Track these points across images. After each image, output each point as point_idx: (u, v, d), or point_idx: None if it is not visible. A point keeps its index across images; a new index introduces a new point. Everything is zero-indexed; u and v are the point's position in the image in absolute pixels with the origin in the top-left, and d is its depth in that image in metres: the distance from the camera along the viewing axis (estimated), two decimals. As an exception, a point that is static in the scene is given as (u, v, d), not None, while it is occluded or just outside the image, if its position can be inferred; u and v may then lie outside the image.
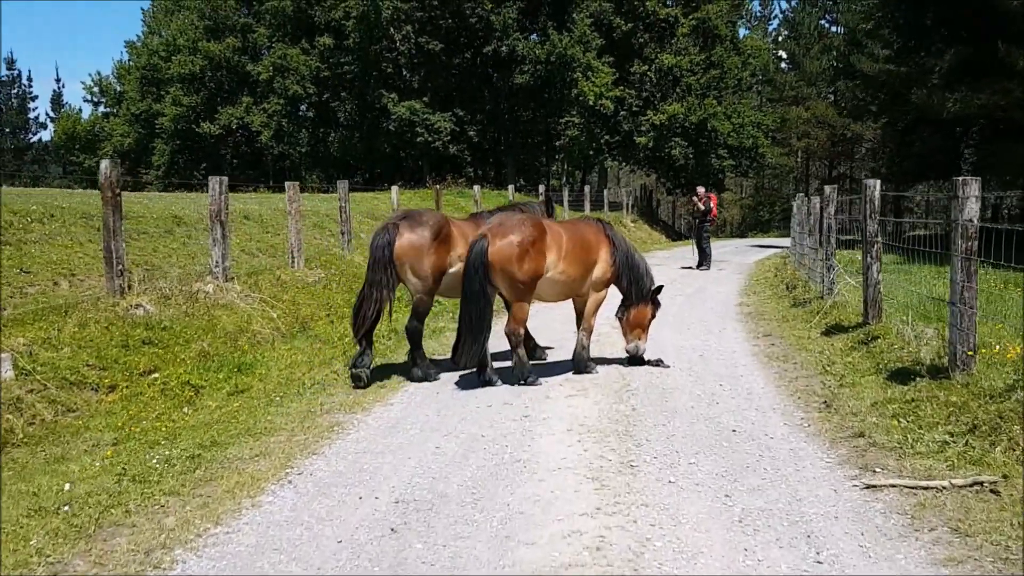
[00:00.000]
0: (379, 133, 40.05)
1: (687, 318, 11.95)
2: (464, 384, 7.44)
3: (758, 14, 71.97)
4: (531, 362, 8.69)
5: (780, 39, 69.73)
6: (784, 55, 70.06)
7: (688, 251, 25.81)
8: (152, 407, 7.28)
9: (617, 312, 8.51)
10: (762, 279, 17.19)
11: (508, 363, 7.61)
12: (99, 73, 62.05)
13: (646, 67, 38.57)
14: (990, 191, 21.02)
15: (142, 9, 55.29)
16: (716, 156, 40.92)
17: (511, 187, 24.96)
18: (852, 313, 9.96)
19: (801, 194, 17.23)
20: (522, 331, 7.38)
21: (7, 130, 69.57)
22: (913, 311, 9.21)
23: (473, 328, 7.08)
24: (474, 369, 7.40)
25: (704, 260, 20.40)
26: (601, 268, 7.93)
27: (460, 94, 39.71)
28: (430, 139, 37.62)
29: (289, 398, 6.96)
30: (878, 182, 8.84)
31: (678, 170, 41.81)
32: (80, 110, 61.67)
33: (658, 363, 8.27)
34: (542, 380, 7.47)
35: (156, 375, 8.27)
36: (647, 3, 38.18)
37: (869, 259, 8.81)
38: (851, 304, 10.52)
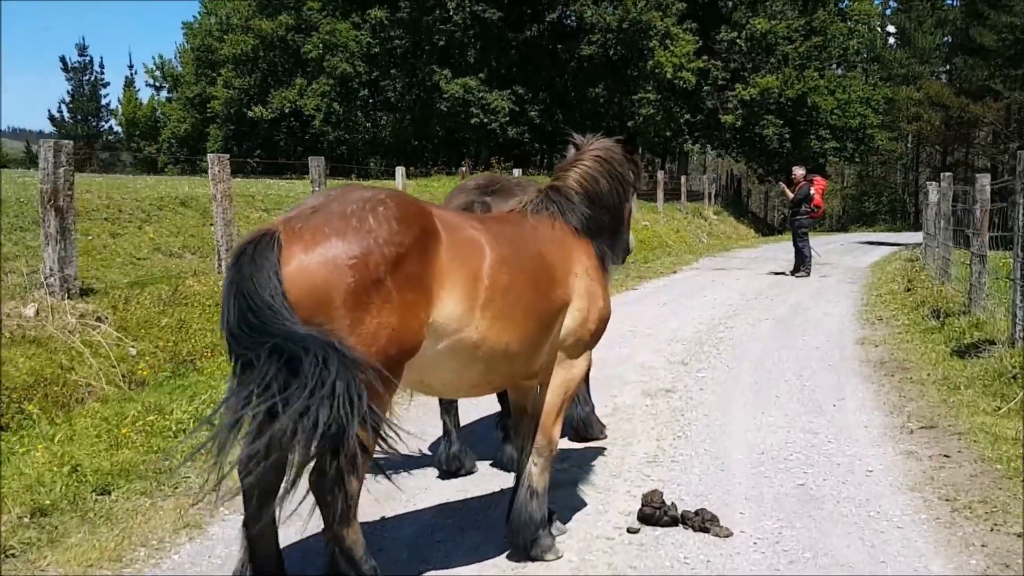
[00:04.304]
0: (431, 115, 36.04)
1: (775, 368, 7.35)
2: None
3: (864, -16, 65.39)
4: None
5: (888, 12, 63.10)
6: (893, 30, 63.63)
7: (780, 249, 20.87)
8: None
9: None
10: (887, 294, 12.25)
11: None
12: (161, 56, 60.16)
13: (735, 34, 33.23)
14: None
15: (199, -11, 52.78)
16: (817, 137, 35.23)
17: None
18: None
19: (948, 174, 12.25)
20: (356, 485, 2.94)
21: (79, 117, 69.19)
22: None
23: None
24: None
25: (801, 264, 15.48)
26: (580, 308, 3.48)
27: (521, 71, 35.29)
28: (486, 120, 33.37)
29: None
30: None
31: (771, 154, 36.24)
32: (153, 96, 59.59)
33: (706, 525, 3.74)
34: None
35: None
36: (737, -40, 32.96)
37: None
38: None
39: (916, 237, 22.05)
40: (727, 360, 7.73)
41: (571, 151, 4.00)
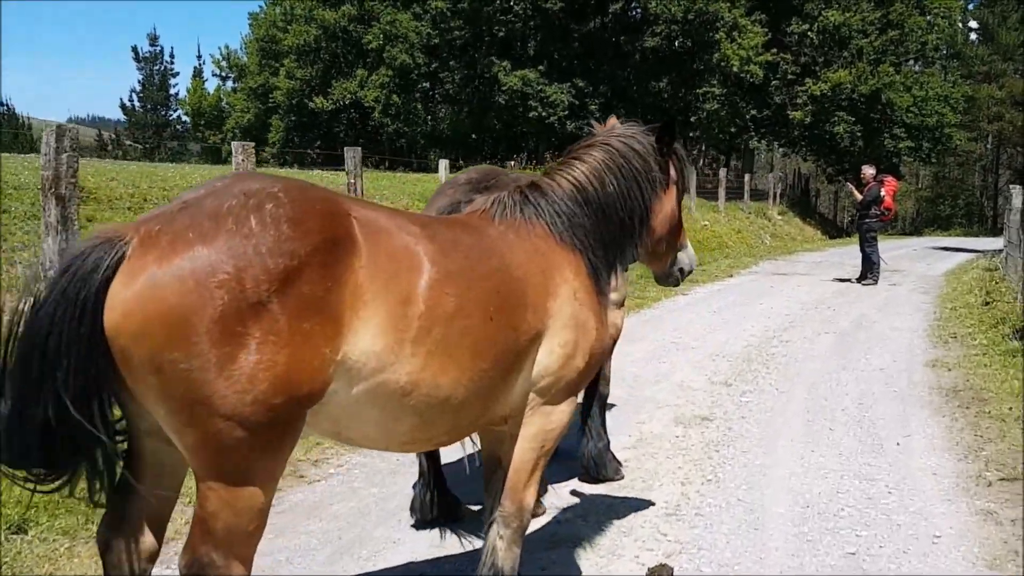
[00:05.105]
0: (489, 107, 35.47)
1: (831, 393, 6.51)
2: None
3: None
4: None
5: (970, 7, 60.21)
6: (975, 25, 60.76)
7: (847, 254, 19.68)
8: None
9: None
10: (962, 307, 11.18)
11: None
12: (227, 47, 60.99)
13: (806, 26, 31.77)
14: None
15: (267, -20, 53.16)
16: (891, 136, 33.52)
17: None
18: None
19: (1037, 178, 11.12)
20: (241, 571, 2.25)
21: (149, 106, 70.53)
22: None
23: None
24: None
25: (869, 271, 14.41)
26: (563, 343, 2.70)
27: (581, 63, 34.44)
28: (544, 114, 32.64)
29: None
30: None
31: (841, 152, 34.63)
32: (219, 86, 60.51)
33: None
34: None
35: None
36: (810, -51, 31.49)
37: None
38: None
39: (995, 243, 20.63)
40: (777, 381, 6.92)
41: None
